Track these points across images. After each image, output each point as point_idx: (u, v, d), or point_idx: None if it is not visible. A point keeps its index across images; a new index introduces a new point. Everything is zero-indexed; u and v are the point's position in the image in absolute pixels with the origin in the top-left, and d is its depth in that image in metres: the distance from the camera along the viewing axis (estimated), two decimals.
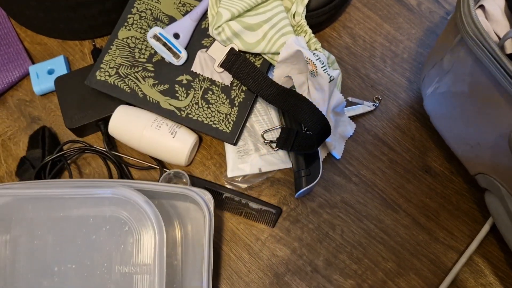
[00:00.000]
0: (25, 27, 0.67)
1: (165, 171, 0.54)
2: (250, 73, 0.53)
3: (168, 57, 0.55)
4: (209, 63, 0.56)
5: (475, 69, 0.44)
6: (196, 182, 0.55)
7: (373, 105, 0.59)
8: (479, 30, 0.41)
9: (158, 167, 0.56)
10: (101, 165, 0.58)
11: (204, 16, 0.58)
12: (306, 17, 0.59)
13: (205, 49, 0.56)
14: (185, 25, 0.56)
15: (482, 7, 0.45)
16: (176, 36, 0.56)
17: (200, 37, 0.57)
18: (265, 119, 0.57)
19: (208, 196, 0.46)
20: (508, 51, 0.42)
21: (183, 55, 0.55)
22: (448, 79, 0.48)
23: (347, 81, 0.61)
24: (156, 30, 0.55)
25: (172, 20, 0.58)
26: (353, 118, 0.59)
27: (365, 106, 0.59)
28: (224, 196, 0.54)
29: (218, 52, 0.55)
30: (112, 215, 0.45)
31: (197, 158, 0.58)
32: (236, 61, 0.54)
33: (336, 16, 0.66)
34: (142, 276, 0.44)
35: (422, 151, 0.57)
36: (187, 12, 0.58)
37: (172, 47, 0.54)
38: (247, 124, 0.56)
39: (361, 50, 0.64)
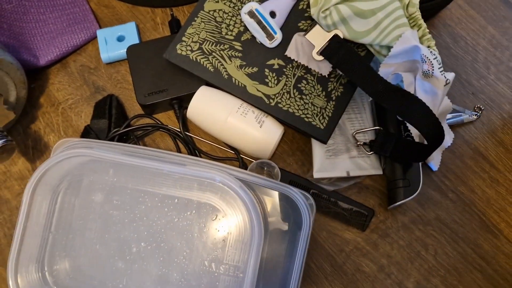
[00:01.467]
0: None
1: (245, 162, 0.49)
2: (355, 65, 0.47)
3: (261, 37, 0.49)
4: (307, 49, 0.50)
5: None
6: (282, 174, 0.49)
7: (475, 115, 0.54)
8: None
9: (237, 158, 0.50)
10: (171, 148, 0.52)
11: None
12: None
13: (303, 33, 0.50)
14: (283, 3, 0.50)
15: None
16: (272, 14, 0.50)
17: (297, 19, 0.51)
18: (358, 117, 0.51)
19: (310, 201, 0.40)
20: None
21: (278, 36, 0.49)
22: None
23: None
24: (252, 5, 0.49)
25: None
26: (451, 127, 0.53)
27: (466, 115, 0.53)
28: (311, 192, 0.49)
29: (319, 37, 0.49)
30: (203, 201, 0.40)
31: (277, 153, 0.52)
32: (339, 50, 0.48)
33: (435, 12, 0.60)
34: (227, 278, 0.39)
35: None
36: None
37: (268, 27, 0.48)
38: (340, 121, 0.51)
39: (463, 52, 0.58)
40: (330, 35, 0.49)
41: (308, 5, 0.51)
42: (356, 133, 0.50)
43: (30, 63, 0.53)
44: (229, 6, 0.52)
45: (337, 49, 0.48)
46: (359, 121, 0.51)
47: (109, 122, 0.52)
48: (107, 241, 0.41)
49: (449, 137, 0.52)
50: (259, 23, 0.49)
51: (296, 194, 0.40)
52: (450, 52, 0.58)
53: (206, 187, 0.40)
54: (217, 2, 0.52)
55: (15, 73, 0.48)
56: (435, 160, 0.51)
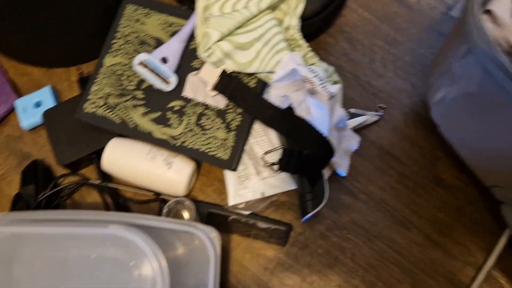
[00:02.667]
0: (8, 57, 0.64)
1: (167, 201, 0.52)
2: (244, 95, 0.50)
3: (157, 83, 0.52)
4: (201, 87, 0.53)
5: (486, 80, 0.40)
6: (200, 205, 0.53)
7: (377, 114, 0.56)
8: (488, 44, 0.38)
9: (157, 200, 0.54)
10: (98, 200, 0.56)
11: (193, 36, 0.54)
12: (301, 27, 0.56)
13: (196, 72, 0.53)
14: (172, 48, 0.53)
15: (488, 11, 0.42)
16: (164, 60, 0.53)
17: (189, 59, 0.54)
18: (264, 139, 0.54)
19: (214, 234, 0.44)
20: None
21: (173, 80, 0.52)
22: (457, 88, 0.45)
23: (348, 90, 0.58)
24: (142, 57, 0.52)
25: (159, 42, 0.55)
26: (356, 130, 0.56)
27: (369, 117, 0.56)
28: (230, 218, 0.52)
29: (210, 74, 0.52)
30: (113, 255, 0.43)
31: (197, 186, 0.55)
32: (229, 84, 0.51)
33: (332, 21, 0.62)
34: None
35: (432, 161, 0.54)
36: (174, 32, 0.55)
37: (161, 73, 0.51)
38: (246, 147, 0.53)
39: (360, 55, 0.60)
40: (219, 70, 0.52)
41: None
42: (263, 155, 0.53)
43: None
44: (127, 58, 0.55)
45: (227, 83, 0.51)
46: (266, 143, 0.54)
47: (36, 187, 0.55)
48: None
49: (354, 141, 0.55)
50: (152, 71, 0.52)
51: (199, 230, 0.44)
52: (348, 57, 0.60)
53: (117, 241, 0.43)
54: (115, 56, 0.55)
55: None
56: (342, 166, 0.53)
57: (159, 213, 0.52)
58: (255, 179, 0.53)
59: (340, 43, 0.61)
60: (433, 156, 0.54)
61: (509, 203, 0.46)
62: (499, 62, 0.37)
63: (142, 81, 0.54)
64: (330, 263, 0.51)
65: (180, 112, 0.53)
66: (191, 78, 0.53)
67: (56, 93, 0.61)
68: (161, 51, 0.53)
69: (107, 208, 0.54)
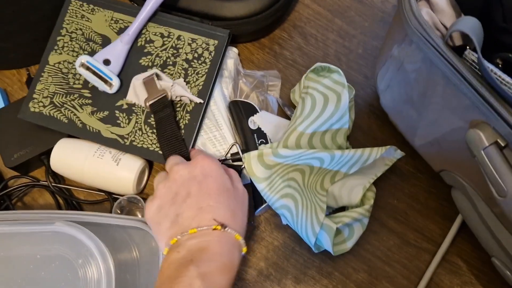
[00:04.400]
0: None
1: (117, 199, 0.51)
2: (167, 129, 0.49)
3: (100, 85, 0.51)
4: (144, 93, 0.51)
5: (425, 65, 0.41)
6: None
7: None
8: (422, 27, 0.38)
9: (108, 198, 0.52)
10: (51, 202, 0.54)
11: (140, 34, 0.53)
12: (250, 22, 0.56)
13: (142, 77, 0.51)
14: (116, 50, 0.52)
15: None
16: (107, 62, 0.51)
17: (137, 56, 0.53)
18: (216, 135, 0.54)
19: None
20: (457, 43, 0.39)
21: (115, 82, 0.51)
22: (400, 74, 0.46)
23: None
24: (83, 58, 0.51)
25: (105, 39, 0.54)
26: None
27: None
28: None
29: (153, 89, 0.50)
30: (58, 253, 0.41)
31: (150, 183, 0.54)
32: (163, 109, 0.50)
33: (285, 16, 0.62)
34: None
35: None
36: (120, 29, 0.54)
37: (103, 75, 0.50)
38: (198, 143, 0.53)
39: (314, 49, 0.61)
40: (161, 92, 0.50)
41: (147, 41, 0.53)
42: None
43: None
44: (72, 56, 0.54)
45: (161, 108, 0.50)
46: (218, 140, 0.53)
47: None
48: None
49: None
50: (94, 73, 0.51)
51: (148, 226, 0.43)
52: (302, 51, 0.61)
53: (61, 238, 0.42)
54: (60, 54, 0.54)
55: None
56: None
57: (111, 212, 0.51)
58: None
59: (294, 38, 0.61)
60: (386, 145, 0.55)
61: (457, 186, 0.46)
62: (437, 49, 0.37)
63: (87, 81, 0.53)
64: (286, 255, 0.50)
65: (129, 111, 0.52)
66: (135, 82, 0.51)
67: (6, 96, 0.60)
68: (103, 53, 0.52)
69: (59, 209, 0.53)
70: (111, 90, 0.51)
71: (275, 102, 0.57)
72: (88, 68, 0.50)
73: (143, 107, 0.51)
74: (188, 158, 0.48)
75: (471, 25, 0.35)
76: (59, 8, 0.56)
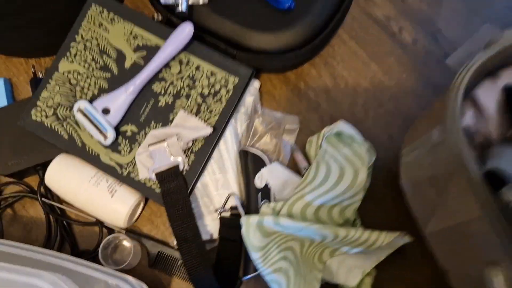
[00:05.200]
0: None
1: (107, 227, 0.49)
2: (179, 201, 0.46)
3: (95, 134, 0.47)
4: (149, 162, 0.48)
5: (448, 164, 0.36)
6: (151, 245, 0.49)
7: None
8: (459, 146, 0.33)
9: (97, 225, 0.50)
10: (40, 214, 0.52)
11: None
12: (280, 58, 0.51)
13: (150, 144, 0.47)
14: (118, 100, 0.48)
15: (471, 99, 0.37)
16: (106, 111, 0.47)
17: (151, 81, 0.49)
18: (220, 179, 0.50)
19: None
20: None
21: (110, 135, 0.47)
22: (431, 155, 0.41)
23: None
24: (81, 104, 0.47)
25: (120, 55, 0.50)
26: None
27: None
28: (179, 262, 0.49)
29: (162, 157, 0.47)
30: None
31: (145, 214, 0.52)
32: (173, 181, 0.47)
33: (318, 51, 0.57)
34: None
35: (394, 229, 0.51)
36: (138, 46, 0.49)
37: (99, 125, 0.47)
38: (199, 184, 0.50)
39: (342, 95, 0.56)
40: (173, 163, 0.47)
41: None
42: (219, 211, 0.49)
43: None
44: (84, 67, 0.50)
45: (171, 180, 0.47)
46: (222, 184, 0.50)
47: None
48: None
49: None
50: (91, 121, 0.47)
51: (129, 285, 0.41)
52: (329, 95, 0.56)
53: None
54: (72, 62, 0.50)
55: None
56: None
57: (98, 242, 0.49)
58: (207, 219, 0.50)
59: (323, 77, 0.56)
60: (397, 222, 0.51)
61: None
62: (464, 156, 0.33)
63: (96, 95, 0.49)
64: None
65: (132, 139, 0.49)
66: (138, 158, 0.48)
67: (10, 87, 0.57)
68: (104, 101, 0.48)
69: (49, 226, 0.51)
70: (106, 142, 0.47)
71: (289, 148, 0.53)
72: (85, 115, 0.47)
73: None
74: (196, 232, 0.45)
75: None
76: (75, 5, 0.51)
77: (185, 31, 0.46)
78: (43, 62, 0.58)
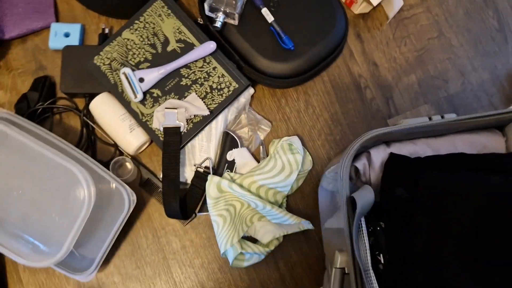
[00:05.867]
0: None
1: (119, 149, 0.71)
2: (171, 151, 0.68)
3: (129, 93, 0.68)
4: (161, 118, 0.70)
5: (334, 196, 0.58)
6: (144, 172, 0.72)
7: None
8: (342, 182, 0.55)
9: (114, 146, 0.73)
10: (77, 126, 0.74)
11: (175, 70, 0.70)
12: (275, 81, 0.72)
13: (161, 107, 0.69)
14: (151, 75, 0.69)
15: (368, 153, 0.59)
16: (141, 80, 0.68)
17: (164, 83, 0.70)
18: (204, 145, 0.72)
19: (133, 198, 0.64)
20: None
21: (139, 96, 0.68)
22: (328, 184, 0.63)
23: (283, 137, 0.76)
24: (126, 70, 0.68)
25: (166, 41, 0.71)
26: None
27: None
28: (159, 190, 0.72)
29: (170, 117, 0.68)
30: (60, 180, 0.62)
31: (147, 150, 0.74)
32: (173, 137, 0.68)
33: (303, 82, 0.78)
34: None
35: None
36: (180, 40, 0.71)
37: (133, 87, 0.68)
38: (189, 144, 0.72)
39: (308, 118, 0.77)
40: (177, 124, 0.68)
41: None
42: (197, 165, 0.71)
43: None
44: (139, 40, 0.71)
45: (172, 135, 0.68)
46: (204, 148, 0.72)
47: (40, 96, 0.73)
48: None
49: None
50: (129, 83, 0.68)
51: (125, 190, 0.63)
52: (299, 115, 0.77)
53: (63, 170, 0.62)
54: (132, 33, 0.71)
55: None
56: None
57: (111, 158, 0.72)
58: (186, 169, 0.72)
59: (299, 101, 0.78)
60: (310, 212, 0.73)
61: (327, 270, 0.66)
62: (343, 184, 0.55)
63: (141, 62, 0.71)
64: (205, 245, 0.71)
65: (155, 99, 0.70)
66: (156, 113, 0.69)
67: (84, 30, 0.78)
68: (143, 73, 0.69)
69: (81, 136, 0.73)
70: (135, 100, 0.69)
71: (258, 142, 0.75)
72: (126, 78, 0.68)
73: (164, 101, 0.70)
74: (177, 174, 0.67)
75: (364, 198, 0.52)
76: None
77: (210, 46, 0.68)
78: (110, 21, 0.79)
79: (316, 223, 0.72)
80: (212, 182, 0.67)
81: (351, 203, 0.54)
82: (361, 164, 0.58)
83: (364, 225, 0.52)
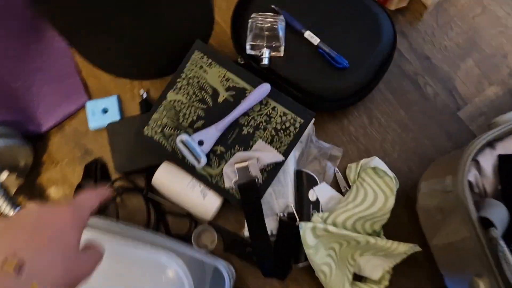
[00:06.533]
0: (82, 57, 0.74)
1: (194, 218, 0.66)
2: (254, 209, 0.63)
3: (191, 160, 0.63)
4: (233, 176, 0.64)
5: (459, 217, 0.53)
6: (224, 233, 0.67)
7: None
8: (465, 201, 0.50)
9: (187, 217, 0.68)
10: (142, 204, 0.69)
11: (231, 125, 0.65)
12: (334, 103, 0.67)
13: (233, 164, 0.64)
14: (210, 134, 0.63)
15: (476, 161, 0.54)
16: (201, 143, 0.63)
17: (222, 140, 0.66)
18: (280, 190, 0.67)
19: (232, 271, 0.59)
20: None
21: (203, 161, 0.63)
22: (437, 201, 0.58)
23: (357, 160, 0.71)
24: (183, 137, 0.63)
25: (214, 92, 0.66)
26: None
27: None
28: (248, 249, 0.67)
29: (243, 172, 0.63)
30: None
31: (221, 212, 0.69)
32: (251, 193, 0.63)
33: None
34: None
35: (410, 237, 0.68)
36: (229, 87, 0.66)
37: (195, 153, 0.63)
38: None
39: (376, 132, 0.72)
40: (252, 178, 0.63)
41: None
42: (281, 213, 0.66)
43: (34, 132, 0.69)
44: (186, 98, 0.66)
45: (250, 190, 0.63)
46: (279, 194, 0.67)
47: (95, 182, 0.69)
48: None
49: None
50: (189, 149, 0.63)
51: (221, 264, 0.58)
52: (365, 131, 0.72)
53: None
54: (177, 93, 0.66)
55: (23, 150, 0.65)
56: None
57: (189, 230, 0.67)
58: (268, 219, 0.67)
59: (362, 117, 0.73)
60: (411, 235, 0.68)
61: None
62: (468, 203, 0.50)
63: (195, 121, 0.66)
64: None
65: (220, 157, 0.65)
66: (225, 169, 0.64)
67: (120, 102, 0.73)
68: (200, 135, 0.63)
69: (148, 214, 0.68)
70: (199, 165, 0.63)
71: (332, 171, 0.70)
72: (184, 145, 0.63)
73: (231, 157, 0.65)
74: (264, 229, 0.62)
75: (500, 216, 0.47)
76: (185, 47, 0.67)
77: (265, 88, 0.63)
78: (143, 84, 0.74)
79: (416, 242, 0.67)
80: (306, 230, 0.62)
81: (481, 222, 0.49)
82: (472, 176, 0.54)
83: (504, 245, 0.47)
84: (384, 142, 0.72)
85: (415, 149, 0.72)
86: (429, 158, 0.71)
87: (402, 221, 0.69)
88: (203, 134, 0.64)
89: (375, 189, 0.63)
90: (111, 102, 0.72)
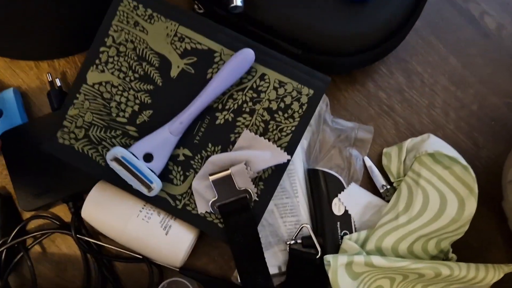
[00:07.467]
0: None
1: (156, 264, 0.42)
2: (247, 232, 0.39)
3: (136, 185, 0.38)
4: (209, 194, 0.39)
5: None
6: (209, 285, 0.43)
7: None
8: None
9: (144, 262, 0.43)
10: (75, 251, 0.45)
11: (211, 63, 0.40)
12: (351, 61, 0.42)
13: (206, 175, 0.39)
14: (161, 142, 0.38)
15: None
16: (148, 158, 0.38)
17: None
18: (288, 203, 0.43)
19: None
20: None
21: (155, 186, 0.38)
22: None
23: (396, 141, 0.47)
24: (117, 152, 0.37)
25: (164, 62, 0.40)
26: None
27: None
28: None
29: (226, 189, 0.39)
30: None
31: (199, 246, 0.45)
32: (240, 214, 0.39)
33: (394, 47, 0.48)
34: None
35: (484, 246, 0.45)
36: (186, 50, 0.40)
37: (141, 176, 0.37)
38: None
39: (418, 95, 0.48)
40: (239, 194, 0.39)
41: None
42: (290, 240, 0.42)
43: None
44: (119, 77, 0.41)
45: (238, 213, 0.39)
46: (290, 209, 0.43)
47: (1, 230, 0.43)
48: None
49: None
50: (130, 171, 0.38)
51: None
52: (403, 96, 0.48)
53: None
54: (103, 71, 0.41)
55: None
56: None
57: (149, 283, 0.42)
58: (273, 250, 0.43)
59: (395, 75, 0.48)
60: (500, 250, 0.45)
61: None
62: None
63: (137, 112, 0.40)
64: None
65: (186, 165, 0.40)
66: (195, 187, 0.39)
67: (21, 98, 0.47)
68: (145, 144, 0.38)
69: (87, 264, 0.43)
70: (150, 194, 0.38)
71: (361, 163, 0.46)
72: (121, 164, 0.37)
73: (203, 163, 0.40)
74: (267, 275, 0.38)
75: None
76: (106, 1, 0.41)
77: (248, 57, 0.37)
78: (57, 65, 0.48)
79: (506, 258, 0.44)
80: (338, 268, 0.38)
81: None
82: None
83: None
84: (432, 108, 0.48)
85: (479, 113, 0.48)
86: (506, 124, 0.47)
87: (479, 227, 0.45)
88: (149, 143, 0.38)
89: (441, 189, 0.39)
90: (7, 99, 0.46)
